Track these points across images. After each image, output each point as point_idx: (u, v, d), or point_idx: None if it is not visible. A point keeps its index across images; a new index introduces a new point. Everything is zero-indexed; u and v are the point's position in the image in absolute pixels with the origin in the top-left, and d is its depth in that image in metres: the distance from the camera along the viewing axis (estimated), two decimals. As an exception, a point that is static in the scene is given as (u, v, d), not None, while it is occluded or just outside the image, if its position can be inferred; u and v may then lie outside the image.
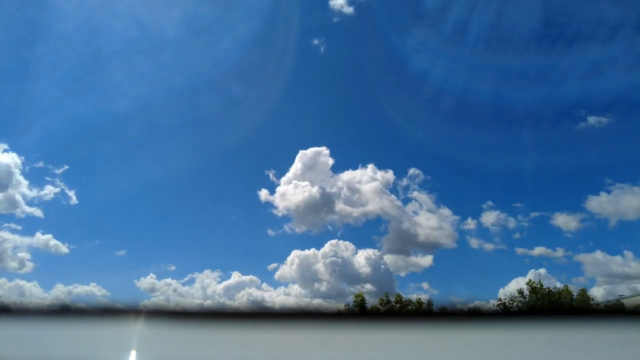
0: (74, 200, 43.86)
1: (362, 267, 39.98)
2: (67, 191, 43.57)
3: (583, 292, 25.55)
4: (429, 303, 27.76)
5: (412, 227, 43.35)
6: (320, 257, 39.58)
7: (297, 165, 43.49)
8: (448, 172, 50.50)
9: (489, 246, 42.44)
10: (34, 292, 37.26)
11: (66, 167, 45.23)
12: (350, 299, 36.46)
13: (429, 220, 43.42)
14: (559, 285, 26.34)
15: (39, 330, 1.66)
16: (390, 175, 43.71)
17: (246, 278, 39.90)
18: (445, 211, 43.85)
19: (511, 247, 43.83)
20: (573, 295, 25.20)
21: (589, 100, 41.41)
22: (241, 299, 37.78)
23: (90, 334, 1.63)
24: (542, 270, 34.56)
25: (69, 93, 46.84)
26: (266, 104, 46.18)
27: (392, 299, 28.05)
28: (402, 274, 43.12)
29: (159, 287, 40.30)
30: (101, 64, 46.86)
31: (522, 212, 45.85)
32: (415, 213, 44.20)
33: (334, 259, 39.65)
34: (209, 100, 48.04)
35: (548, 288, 25.74)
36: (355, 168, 46.88)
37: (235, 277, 39.91)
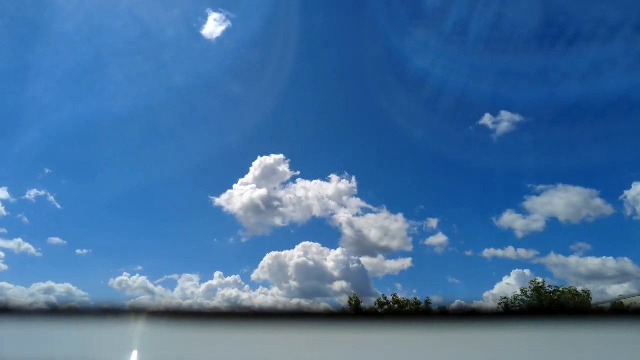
0: (54, 203, 44.08)
1: (335, 267, 40.80)
2: (49, 195, 43.73)
3: (587, 293, 25.49)
4: (427, 303, 27.82)
5: (365, 230, 44.09)
6: (292, 258, 40.42)
7: (253, 172, 44.44)
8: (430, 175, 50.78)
9: (442, 249, 43.01)
10: (13, 292, 37.57)
11: (48, 170, 45.69)
12: (330, 300, 38.44)
13: (380, 224, 44.07)
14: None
15: (39, 330, 1.66)
16: (353, 183, 44.27)
17: (230, 279, 40.64)
18: (387, 214, 44.52)
19: (461, 250, 44.25)
20: (575, 294, 25.13)
21: (588, 100, 41.53)
22: (220, 300, 38.66)
23: (91, 334, 1.63)
24: (527, 271, 35.04)
25: (65, 94, 46.83)
26: (250, 109, 46.43)
27: (389, 299, 28.20)
28: (379, 276, 43.48)
29: (132, 286, 40.54)
30: (102, 64, 46.84)
31: (465, 215, 46.72)
32: (360, 215, 44.54)
33: (304, 259, 40.41)
34: (206, 101, 48.12)
35: (551, 287, 25.72)
36: (317, 176, 48.09)
37: (217, 278, 40.67)
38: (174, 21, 46.20)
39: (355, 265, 40.71)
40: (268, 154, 44.38)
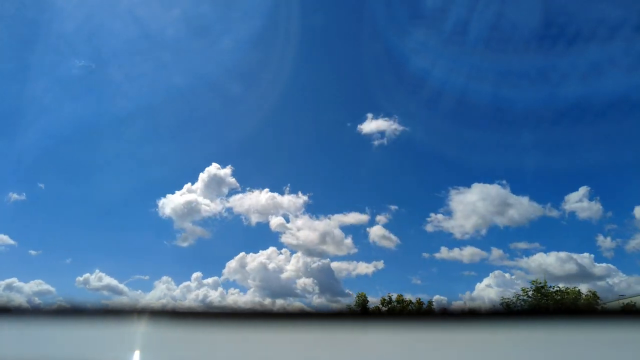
0: (30, 205, 45.17)
1: (296, 269, 42.60)
2: (26, 198, 44.51)
3: (593, 294, 25.43)
4: (430, 303, 27.92)
5: (307, 234, 45.15)
6: (259, 260, 42.26)
7: (199, 181, 45.83)
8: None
9: (393, 251, 43.92)
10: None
11: (26, 174, 46.94)
12: (305, 300, 40.71)
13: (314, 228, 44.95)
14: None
15: (39, 330, 1.66)
16: (305, 196, 45.37)
17: (209, 280, 42.04)
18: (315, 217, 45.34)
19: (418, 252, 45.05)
20: (580, 295, 25.06)
21: (588, 101, 41.48)
22: (195, 299, 40.12)
23: (91, 334, 1.62)
24: (507, 275, 35.89)
25: (66, 94, 46.99)
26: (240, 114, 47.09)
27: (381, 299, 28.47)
28: (351, 276, 44.38)
29: (97, 285, 41.17)
30: (102, 64, 46.95)
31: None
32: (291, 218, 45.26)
33: (265, 261, 42.46)
34: (207, 102, 48.26)
35: (553, 287, 25.70)
36: (266, 186, 48.36)
37: (195, 279, 41.98)
38: (174, 20, 46.28)
39: (317, 264, 42.53)
40: (219, 164, 45.45)
